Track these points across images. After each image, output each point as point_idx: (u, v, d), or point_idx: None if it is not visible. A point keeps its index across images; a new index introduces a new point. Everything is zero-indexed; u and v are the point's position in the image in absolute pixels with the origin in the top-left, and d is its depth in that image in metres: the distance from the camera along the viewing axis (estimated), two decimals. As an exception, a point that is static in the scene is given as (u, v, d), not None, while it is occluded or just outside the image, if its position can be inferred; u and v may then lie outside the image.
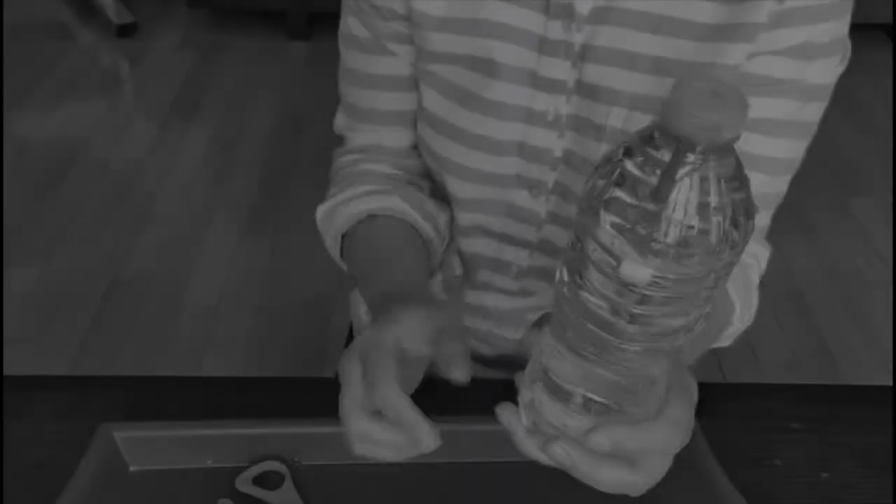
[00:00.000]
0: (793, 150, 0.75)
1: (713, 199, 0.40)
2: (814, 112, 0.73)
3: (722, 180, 0.41)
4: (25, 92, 2.84)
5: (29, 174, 2.47)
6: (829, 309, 2.12)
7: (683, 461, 0.69)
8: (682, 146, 0.40)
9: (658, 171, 0.40)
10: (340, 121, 0.87)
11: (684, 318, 0.45)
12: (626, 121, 0.72)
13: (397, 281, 0.71)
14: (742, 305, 0.75)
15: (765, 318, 2.06)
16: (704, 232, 0.41)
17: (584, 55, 0.71)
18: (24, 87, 2.85)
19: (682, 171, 0.40)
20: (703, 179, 0.40)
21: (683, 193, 0.40)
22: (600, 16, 0.70)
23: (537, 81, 0.73)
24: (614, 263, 0.42)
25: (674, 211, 0.40)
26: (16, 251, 2.19)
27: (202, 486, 0.67)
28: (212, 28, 3.28)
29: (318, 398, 0.76)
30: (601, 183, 0.42)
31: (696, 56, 0.69)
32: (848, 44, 0.71)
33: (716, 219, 0.41)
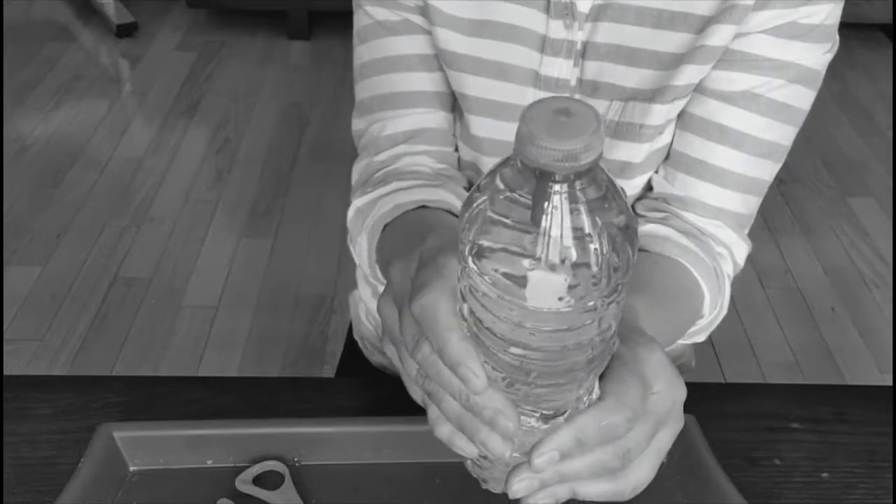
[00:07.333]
0: (774, 131, 0.73)
1: (584, 225, 0.39)
2: (798, 95, 0.72)
3: (592, 204, 0.39)
4: (25, 92, 2.84)
5: (29, 174, 2.47)
6: (829, 309, 2.12)
7: (684, 461, 0.69)
8: (541, 177, 0.38)
9: (523, 200, 0.39)
10: (360, 124, 0.80)
11: (584, 339, 0.43)
12: (622, 113, 0.72)
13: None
14: (712, 294, 0.73)
15: (765, 318, 2.08)
16: (579, 256, 0.39)
17: (585, 53, 0.71)
18: (24, 87, 2.86)
19: (547, 201, 0.38)
20: (572, 206, 0.39)
21: (553, 222, 0.39)
22: (600, 13, 0.70)
23: (540, 81, 0.73)
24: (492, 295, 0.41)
25: (544, 238, 0.39)
26: (16, 251, 2.19)
27: (202, 486, 0.67)
28: (212, 28, 3.28)
29: (318, 398, 0.77)
30: (469, 215, 0.41)
31: (692, 45, 0.69)
32: (836, 35, 0.72)
33: (591, 244, 0.39)
